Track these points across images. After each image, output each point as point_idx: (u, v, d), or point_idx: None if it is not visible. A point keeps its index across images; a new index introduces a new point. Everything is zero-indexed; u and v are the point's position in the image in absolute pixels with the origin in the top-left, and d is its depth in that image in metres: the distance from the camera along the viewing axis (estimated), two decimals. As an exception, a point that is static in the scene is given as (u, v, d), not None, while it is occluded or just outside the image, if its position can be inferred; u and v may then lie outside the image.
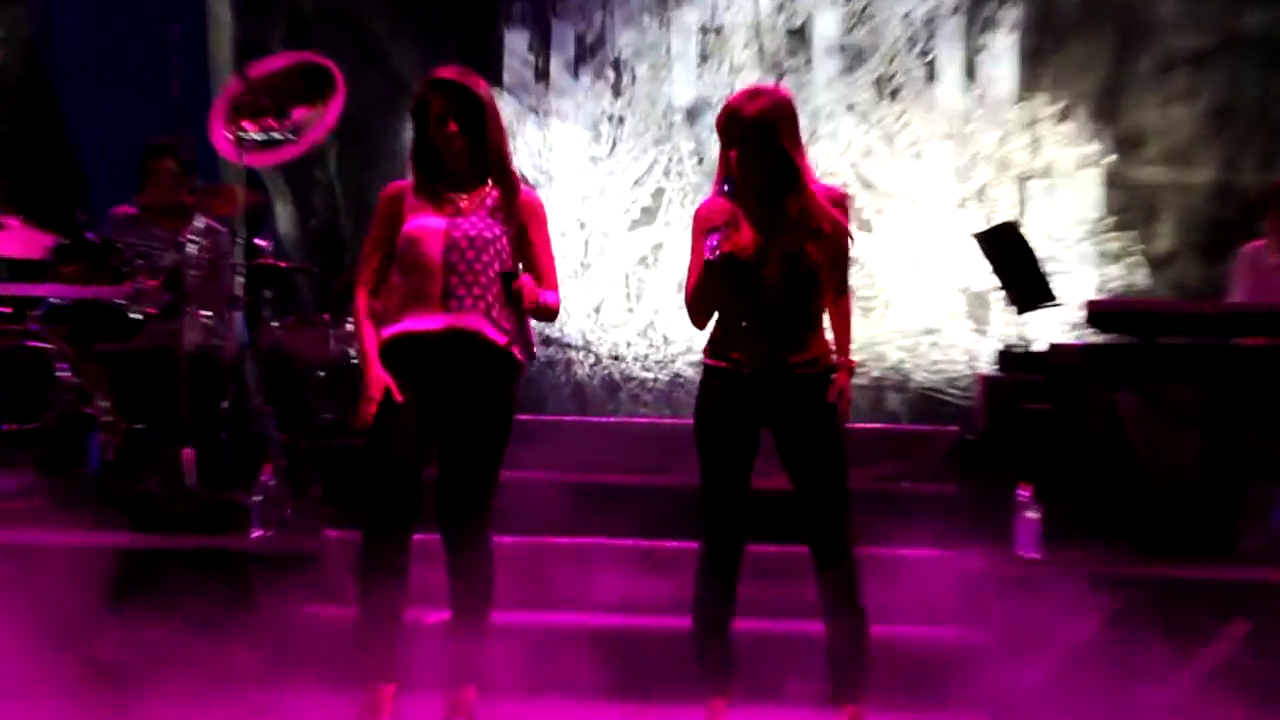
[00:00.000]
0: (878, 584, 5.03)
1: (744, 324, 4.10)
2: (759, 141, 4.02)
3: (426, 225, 4.18)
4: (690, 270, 4.14)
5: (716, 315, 4.19)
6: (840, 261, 4.16)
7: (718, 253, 3.99)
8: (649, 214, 8.06)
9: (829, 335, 4.20)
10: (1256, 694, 4.80)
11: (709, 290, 4.10)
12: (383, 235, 4.26)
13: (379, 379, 4.15)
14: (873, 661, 4.21)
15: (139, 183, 6.46)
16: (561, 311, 7.66)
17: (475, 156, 4.21)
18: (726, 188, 4.05)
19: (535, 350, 4.43)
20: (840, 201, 4.16)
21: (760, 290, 4.06)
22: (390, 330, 4.21)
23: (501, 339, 4.19)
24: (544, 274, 4.28)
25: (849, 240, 4.18)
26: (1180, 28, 7.84)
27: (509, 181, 4.27)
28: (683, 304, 4.20)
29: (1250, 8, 7.80)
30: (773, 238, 4.05)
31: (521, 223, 4.25)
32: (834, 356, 4.18)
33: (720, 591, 4.17)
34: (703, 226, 4.08)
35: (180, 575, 5.06)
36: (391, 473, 4.12)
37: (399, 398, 4.13)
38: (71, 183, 7.72)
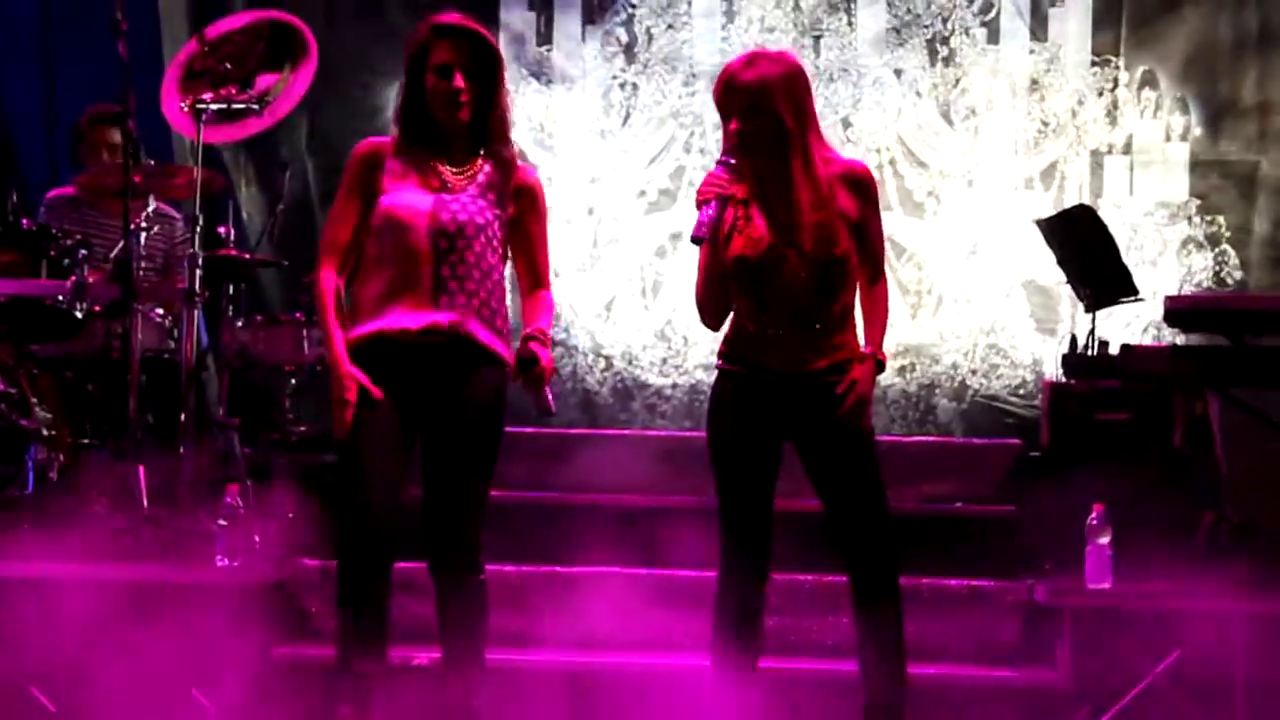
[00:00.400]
0: (929, 618, 5.21)
1: (762, 326, 4.17)
2: (759, 112, 4.08)
3: (410, 204, 4.17)
4: (703, 270, 4.22)
5: (732, 314, 4.26)
6: (870, 245, 4.23)
7: (703, 229, 4.03)
8: (667, 196, 8.14)
9: (860, 335, 4.27)
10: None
11: (708, 279, 4.18)
12: (354, 204, 4.25)
13: (350, 376, 4.14)
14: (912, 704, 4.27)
15: (78, 160, 6.55)
16: (568, 310, 7.94)
17: (475, 121, 4.22)
18: (732, 161, 4.09)
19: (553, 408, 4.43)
20: (862, 179, 4.22)
21: (779, 288, 4.13)
22: (369, 326, 4.20)
23: (493, 340, 4.23)
24: (540, 270, 4.34)
25: (878, 220, 4.27)
26: (1276, -19, 7.93)
27: (507, 157, 4.28)
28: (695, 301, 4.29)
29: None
30: (789, 228, 4.12)
31: (518, 209, 4.28)
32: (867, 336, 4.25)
33: (741, 626, 4.23)
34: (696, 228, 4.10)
35: (133, 610, 5.20)
36: (370, 493, 4.14)
37: (377, 394, 4.13)
38: (4, 162, 7.82)
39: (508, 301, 4.32)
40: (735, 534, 4.23)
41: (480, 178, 4.23)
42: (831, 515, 4.23)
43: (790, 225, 4.11)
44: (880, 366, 4.23)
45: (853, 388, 4.14)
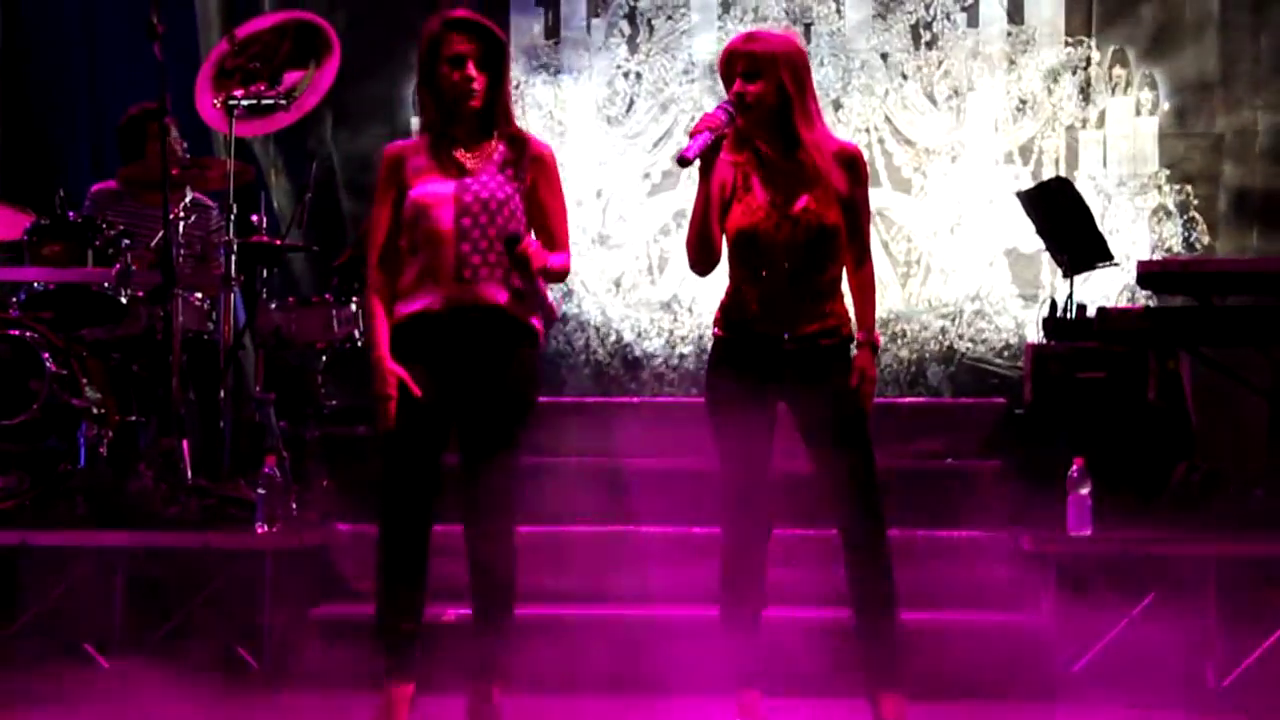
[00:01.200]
0: (921, 568, 5.23)
1: (758, 291, 4.17)
2: (761, 76, 4.08)
3: (435, 191, 4.20)
4: (696, 213, 4.16)
5: (728, 282, 4.26)
6: (859, 226, 4.23)
7: (690, 150, 3.99)
8: (671, 178, 8.13)
9: (848, 301, 4.27)
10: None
11: (698, 218, 4.12)
12: (387, 204, 4.29)
13: (391, 373, 4.18)
14: (906, 647, 4.29)
15: (124, 154, 6.54)
16: (579, 286, 7.94)
17: (485, 108, 4.25)
18: (731, 107, 4.06)
19: (557, 314, 4.46)
20: (853, 159, 4.22)
21: (774, 255, 4.14)
22: (402, 310, 4.24)
23: (523, 312, 4.25)
24: (556, 235, 4.33)
25: (867, 201, 4.27)
26: (1239, -41, 7.90)
27: (517, 133, 4.31)
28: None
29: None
30: (786, 198, 4.13)
31: (533, 178, 4.28)
32: (853, 326, 4.24)
33: (746, 579, 4.25)
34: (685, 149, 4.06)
35: (181, 574, 5.23)
36: (409, 465, 4.20)
37: (417, 392, 4.16)
38: (49, 157, 7.82)
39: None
40: (735, 491, 4.24)
41: (495, 157, 4.26)
42: (820, 472, 4.22)
43: (787, 195, 4.13)
44: (875, 349, 4.24)
45: (864, 379, 4.17)
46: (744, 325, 4.21)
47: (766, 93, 4.09)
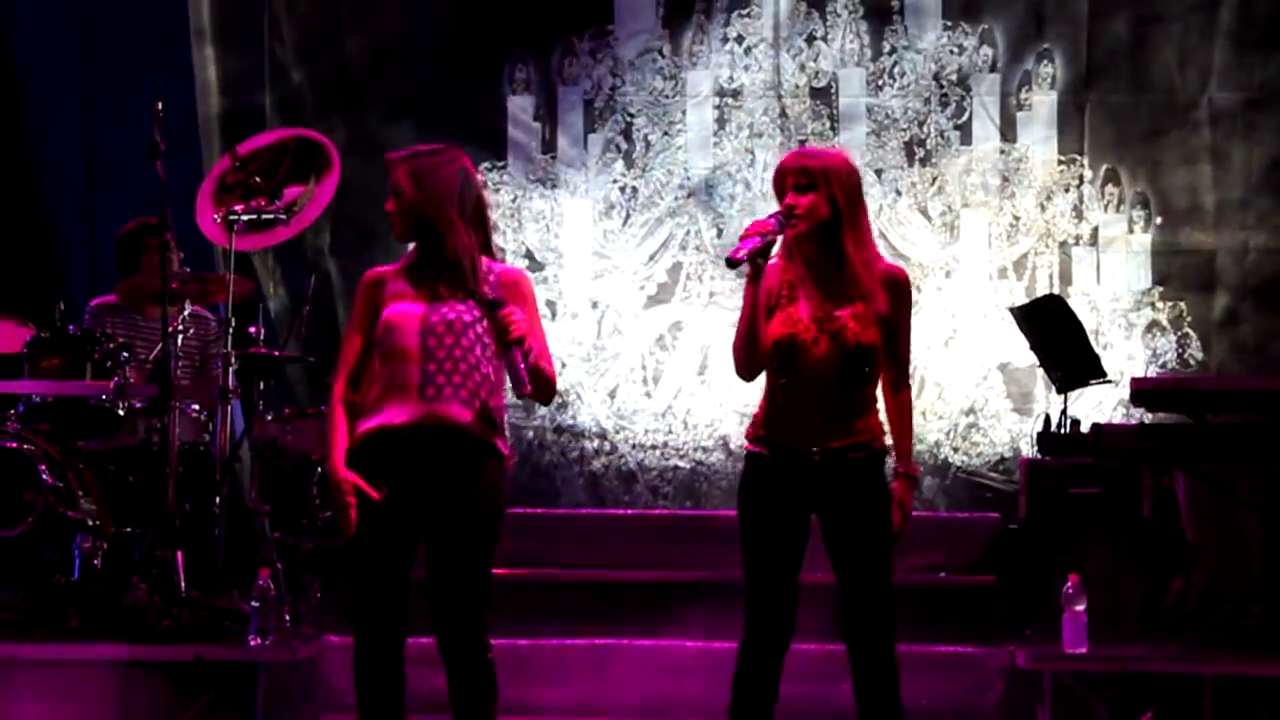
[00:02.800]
0: (917, 683, 5.17)
1: (791, 403, 4.17)
2: (814, 188, 4.12)
3: (405, 311, 4.27)
4: (742, 319, 4.18)
5: (763, 395, 4.25)
6: (898, 350, 4.26)
7: (739, 252, 4.01)
8: (665, 290, 8.19)
9: (881, 415, 4.27)
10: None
11: (744, 324, 4.13)
12: (362, 321, 4.35)
13: (346, 481, 4.21)
14: None
15: (122, 268, 6.62)
16: (574, 398, 7.99)
17: (421, 235, 4.32)
18: (784, 215, 4.10)
19: (507, 432, 4.42)
20: (899, 282, 4.25)
21: (810, 369, 4.15)
22: (366, 424, 4.27)
23: (486, 431, 4.27)
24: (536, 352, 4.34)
25: (909, 326, 4.28)
26: (1228, 80, 7.98)
27: (470, 263, 4.30)
28: (732, 365, 4.27)
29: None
30: (827, 312, 4.15)
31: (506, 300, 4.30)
32: (886, 439, 4.25)
33: (760, 697, 4.22)
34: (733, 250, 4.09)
35: (176, 687, 5.23)
36: (375, 573, 4.22)
37: (375, 496, 4.20)
38: (48, 272, 7.90)
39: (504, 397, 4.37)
40: (761, 609, 4.20)
41: (468, 284, 4.29)
42: (842, 587, 4.20)
43: (829, 310, 4.15)
44: (915, 482, 4.28)
45: (905, 516, 4.20)
46: (775, 439, 4.21)
47: (817, 205, 4.12)
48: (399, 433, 4.23)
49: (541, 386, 4.33)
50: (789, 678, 4.24)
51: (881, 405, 4.29)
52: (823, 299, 4.17)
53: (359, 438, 4.28)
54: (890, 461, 4.28)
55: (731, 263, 4.05)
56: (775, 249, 4.16)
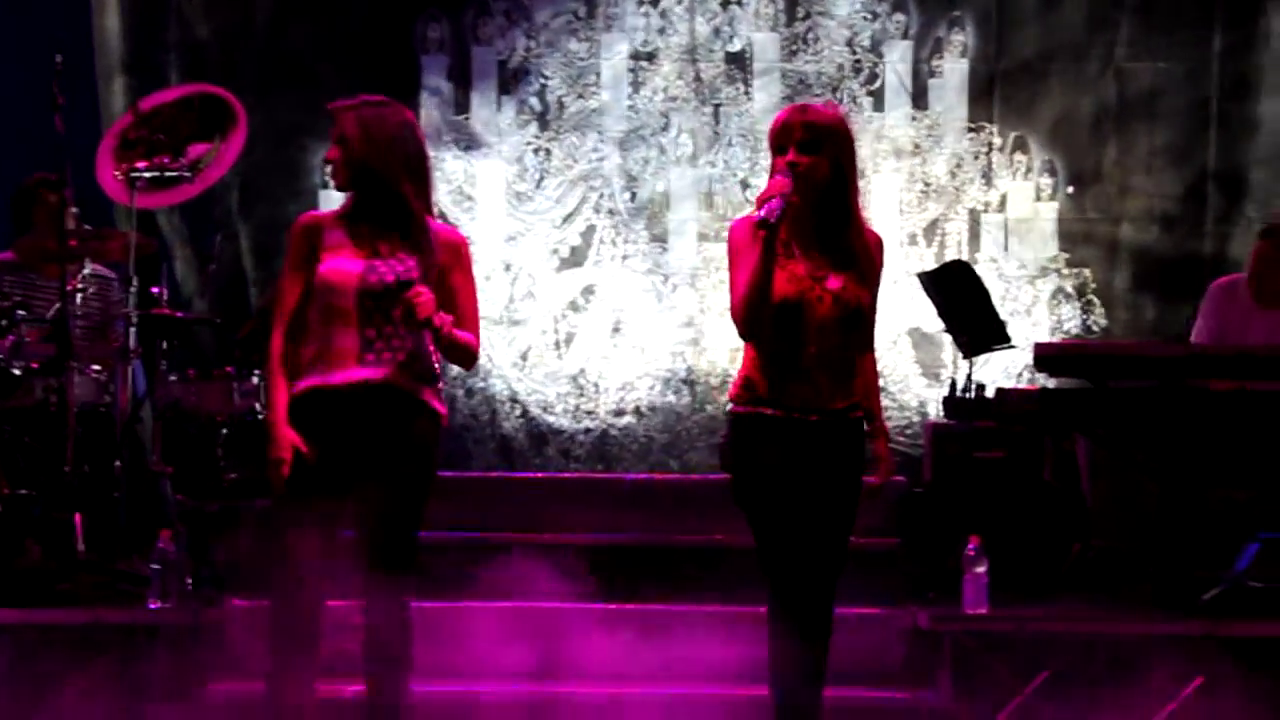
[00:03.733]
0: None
1: (793, 361, 4.07)
2: (819, 147, 4.03)
3: (342, 269, 4.21)
4: (734, 283, 4.07)
5: (754, 356, 4.14)
6: (873, 311, 4.17)
7: (774, 214, 3.89)
8: (578, 254, 8.19)
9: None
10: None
11: (756, 278, 3.99)
12: (297, 268, 4.29)
13: (285, 438, 4.18)
14: None
15: (17, 226, 6.50)
16: (486, 361, 7.95)
17: (372, 188, 4.23)
18: (793, 166, 3.99)
19: (442, 382, 4.40)
20: (881, 246, 4.18)
21: (812, 325, 4.06)
22: (303, 383, 4.23)
23: (422, 391, 4.26)
24: (466, 320, 4.31)
25: (878, 288, 4.18)
26: (1135, 52, 8.08)
27: (424, 221, 4.28)
28: (730, 316, 4.12)
29: (1209, 37, 8.03)
30: (825, 270, 4.07)
31: (444, 263, 4.29)
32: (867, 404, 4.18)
33: (799, 652, 4.13)
34: (745, 230, 4.01)
35: (72, 653, 5.16)
36: (301, 540, 4.16)
37: (308, 454, 4.16)
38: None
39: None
40: (786, 569, 4.10)
41: (408, 242, 4.24)
42: (810, 540, 4.10)
43: (828, 270, 4.07)
44: (890, 439, 4.25)
45: (890, 472, 4.24)
46: (772, 399, 4.10)
47: (821, 165, 4.04)
48: (337, 392, 4.20)
49: (461, 358, 4.34)
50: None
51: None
52: (820, 257, 4.08)
53: (296, 394, 4.23)
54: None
55: (768, 225, 3.92)
56: None
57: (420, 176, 4.32)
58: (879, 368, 4.35)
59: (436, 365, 4.32)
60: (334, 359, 4.20)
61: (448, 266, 4.30)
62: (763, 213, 3.92)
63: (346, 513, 4.26)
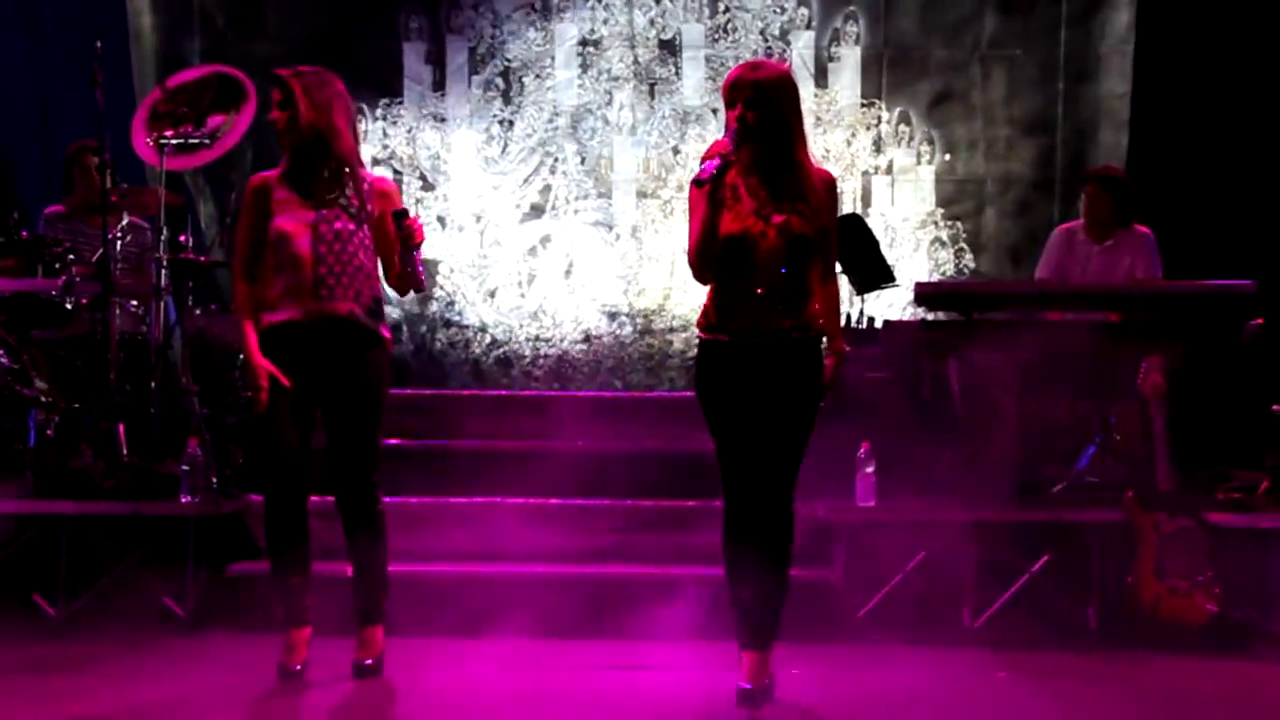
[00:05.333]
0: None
1: (742, 290, 3.94)
2: (764, 102, 3.87)
3: (295, 220, 4.20)
4: (690, 232, 3.96)
5: (712, 290, 4.01)
6: (826, 242, 4.00)
7: (706, 173, 3.78)
8: (537, 209, 8.17)
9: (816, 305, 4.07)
10: (1054, 618, 5.10)
11: (703, 232, 3.89)
12: (253, 226, 4.25)
13: (262, 368, 4.19)
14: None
15: (66, 184, 6.45)
16: (460, 298, 7.93)
17: (310, 144, 4.19)
18: (736, 132, 3.88)
19: (425, 286, 4.30)
20: (830, 184, 4.01)
21: (757, 259, 3.92)
22: (271, 319, 4.24)
23: (370, 321, 4.26)
24: None
25: (835, 224, 4.06)
26: (996, 41, 8.09)
27: (360, 174, 4.26)
28: (687, 262, 4.02)
29: (1057, 29, 8.04)
30: (770, 207, 3.92)
31: (379, 208, 4.27)
32: (821, 324, 4.04)
33: (744, 555, 4.01)
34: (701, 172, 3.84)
35: (118, 538, 5.17)
36: (281, 450, 4.22)
37: (286, 383, 4.18)
38: (5, 185, 7.68)
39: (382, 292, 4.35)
40: (735, 474, 4.00)
41: (348, 192, 4.24)
42: (765, 445, 3.98)
43: (773, 206, 3.92)
44: (844, 356, 4.11)
45: (836, 378, 4.06)
46: (724, 325, 3.98)
47: (767, 118, 3.89)
48: (299, 325, 4.22)
49: (418, 280, 4.33)
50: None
51: None
52: (766, 198, 3.94)
53: (264, 329, 4.24)
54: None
55: (701, 183, 3.81)
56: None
57: (355, 134, 4.32)
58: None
59: (381, 300, 4.33)
60: (295, 295, 4.21)
61: (383, 211, 4.27)
62: (699, 173, 3.83)
63: (316, 423, 4.29)
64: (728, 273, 3.97)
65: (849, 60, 8.15)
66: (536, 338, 8.12)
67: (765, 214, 3.94)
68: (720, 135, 4.02)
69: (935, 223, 8.11)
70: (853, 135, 8.13)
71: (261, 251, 4.25)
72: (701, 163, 3.85)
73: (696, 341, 4.16)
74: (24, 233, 5.90)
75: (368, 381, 4.27)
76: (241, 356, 5.93)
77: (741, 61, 4.11)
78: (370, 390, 4.28)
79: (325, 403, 4.27)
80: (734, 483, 4.04)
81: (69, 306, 5.79)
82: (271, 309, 4.24)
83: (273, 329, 4.23)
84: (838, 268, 4.21)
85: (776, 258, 3.93)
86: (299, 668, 4.24)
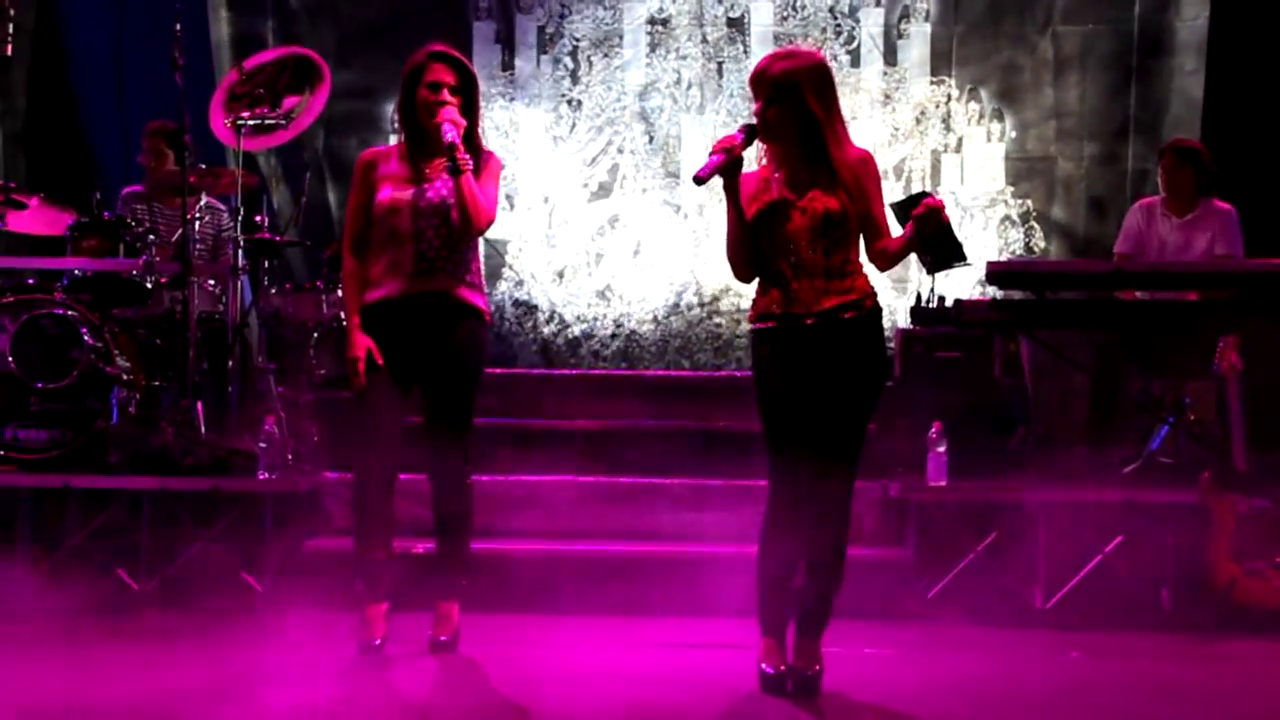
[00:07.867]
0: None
1: (780, 276, 3.87)
2: (784, 98, 3.79)
3: (397, 196, 4.23)
4: (728, 229, 3.91)
5: (759, 279, 3.94)
6: (875, 216, 3.89)
7: (704, 170, 3.75)
8: (605, 189, 8.17)
9: (871, 278, 3.96)
10: (1127, 600, 5.07)
11: (732, 236, 3.87)
12: (360, 202, 4.29)
13: (360, 343, 4.22)
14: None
15: (146, 164, 6.50)
16: (529, 278, 7.97)
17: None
18: (750, 126, 3.83)
19: (484, 211, 4.20)
20: (863, 159, 3.87)
21: (790, 242, 3.84)
22: (371, 295, 4.27)
23: (469, 295, 4.29)
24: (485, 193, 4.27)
25: (877, 190, 3.91)
26: (1068, 17, 7.99)
27: (478, 145, 4.30)
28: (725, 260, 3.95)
29: (1131, 1, 7.93)
30: (799, 194, 3.84)
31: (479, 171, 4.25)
32: (877, 299, 3.92)
33: (792, 519, 3.88)
34: (701, 170, 3.79)
35: (197, 514, 5.25)
36: (375, 425, 4.24)
37: (379, 359, 4.20)
38: (86, 167, 7.80)
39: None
40: (783, 464, 3.86)
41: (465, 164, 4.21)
42: (821, 434, 3.84)
43: (801, 192, 3.84)
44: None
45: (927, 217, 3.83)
46: (771, 312, 3.89)
47: (789, 113, 3.81)
48: (400, 301, 4.24)
49: (476, 209, 4.18)
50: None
51: (873, 270, 3.98)
52: (800, 181, 3.85)
53: (369, 305, 4.27)
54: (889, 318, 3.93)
55: (698, 181, 3.75)
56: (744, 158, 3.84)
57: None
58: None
59: (481, 275, 4.35)
60: (396, 272, 4.23)
61: (479, 172, 4.24)
62: (699, 170, 3.79)
63: (412, 400, 4.31)
64: (767, 261, 3.91)
65: (918, 37, 8.09)
66: (604, 317, 8.14)
67: (794, 198, 3.85)
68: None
69: (1005, 201, 8.03)
70: (921, 113, 8.06)
71: (369, 227, 4.28)
72: (709, 155, 3.82)
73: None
74: (106, 213, 5.96)
75: (466, 350, 4.29)
76: (316, 335, 6.16)
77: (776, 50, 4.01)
78: (469, 359, 4.30)
79: (423, 376, 4.28)
80: (781, 471, 3.88)
81: (149, 286, 5.86)
82: (372, 286, 4.27)
83: (372, 306, 4.27)
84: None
85: (807, 238, 3.83)
86: (378, 642, 4.27)
